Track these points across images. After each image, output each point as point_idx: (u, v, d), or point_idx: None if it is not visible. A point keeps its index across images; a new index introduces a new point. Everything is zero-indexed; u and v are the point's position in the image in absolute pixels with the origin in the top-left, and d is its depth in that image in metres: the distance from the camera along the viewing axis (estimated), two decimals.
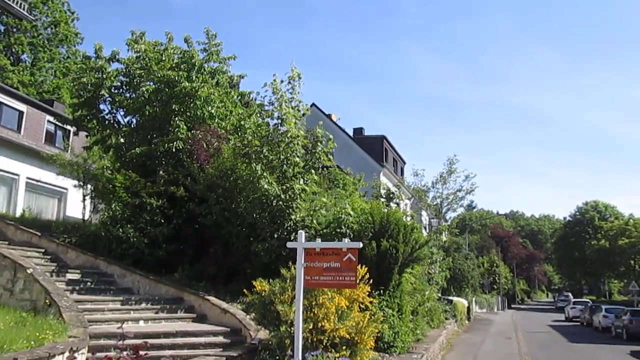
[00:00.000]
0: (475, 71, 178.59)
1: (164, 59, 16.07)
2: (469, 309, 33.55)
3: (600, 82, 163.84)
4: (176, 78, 15.20)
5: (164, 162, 15.52)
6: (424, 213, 34.69)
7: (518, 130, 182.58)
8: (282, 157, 12.87)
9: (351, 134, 39.72)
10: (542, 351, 19.54)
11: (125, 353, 5.51)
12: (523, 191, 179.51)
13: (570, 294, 73.56)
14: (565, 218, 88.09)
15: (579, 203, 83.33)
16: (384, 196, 23.84)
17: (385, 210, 13.36)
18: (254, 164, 12.56)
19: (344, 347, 7.92)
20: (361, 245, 7.17)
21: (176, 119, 15.35)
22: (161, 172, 15.30)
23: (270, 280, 8.84)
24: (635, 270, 63.84)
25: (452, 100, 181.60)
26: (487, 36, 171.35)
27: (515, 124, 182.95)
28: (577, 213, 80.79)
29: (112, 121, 16.85)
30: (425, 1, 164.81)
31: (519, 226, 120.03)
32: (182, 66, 15.91)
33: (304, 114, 14.17)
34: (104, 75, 16.05)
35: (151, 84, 15.85)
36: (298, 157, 12.95)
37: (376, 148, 37.11)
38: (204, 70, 16.14)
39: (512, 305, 70.10)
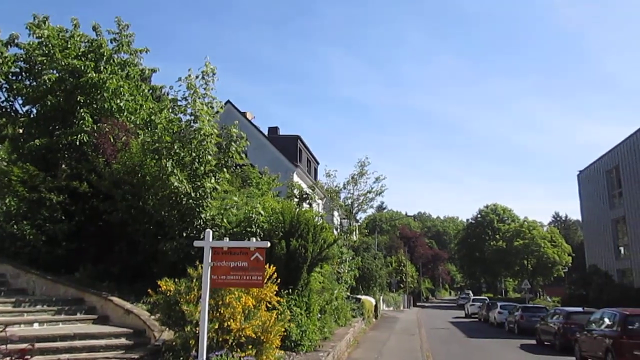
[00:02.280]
0: (388, 76, 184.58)
1: (69, 46, 15.22)
2: (376, 307, 34.54)
3: (502, 93, 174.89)
4: (82, 68, 14.46)
5: (66, 156, 14.73)
6: (335, 213, 35.30)
7: (427, 135, 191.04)
8: (194, 154, 12.62)
9: (266, 132, 39.67)
10: (442, 346, 20.56)
11: (8, 358, 5.18)
12: (430, 193, 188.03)
13: (470, 292, 77.93)
14: (467, 220, 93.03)
15: (481, 206, 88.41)
16: (297, 196, 24.06)
17: (297, 210, 13.49)
18: (164, 160, 12.23)
19: (249, 347, 7.94)
20: (269, 244, 7.22)
21: (81, 110, 14.61)
22: (63, 166, 14.51)
23: (178, 279, 8.68)
24: (527, 270, 68.83)
25: (366, 104, 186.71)
26: (400, 43, 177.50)
27: (424, 129, 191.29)
28: (479, 215, 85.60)
29: (8, 110, 15.71)
30: (342, 6, 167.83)
31: (425, 227, 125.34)
32: (89, 55, 15.15)
33: (217, 112, 13.98)
34: (0, 60, 14.93)
35: (54, 72, 14.94)
36: (210, 155, 12.76)
37: (290, 148, 37.27)
38: (114, 61, 15.47)
39: (418, 303, 73.11)
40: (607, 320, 15.24)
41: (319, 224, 13.50)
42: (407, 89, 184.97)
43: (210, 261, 6.94)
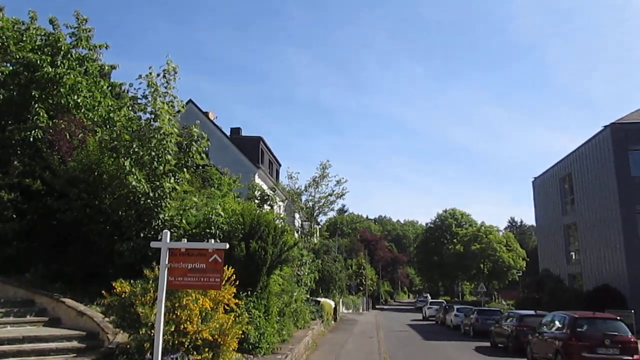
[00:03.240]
0: (352, 80, 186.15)
1: (24, 39, 14.75)
2: (335, 309, 34.67)
3: (462, 100, 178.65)
4: (38, 61, 14.03)
5: (19, 152, 14.23)
6: (297, 215, 35.29)
7: (389, 140, 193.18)
8: (153, 153, 12.39)
9: (228, 133, 39.31)
10: (400, 349, 20.83)
11: None
12: (391, 197, 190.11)
13: (428, 295, 79.17)
14: (427, 224, 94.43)
15: (440, 210, 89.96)
16: (259, 198, 23.92)
17: (257, 211, 13.44)
18: (123, 159, 11.97)
19: (206, 349, 7.86)
20: (228, 246, 7.14)
21: (36, 105, 14.16)
22: (16, 163, 14.01)
23: (134, 281, 8.51)
24: (483, 273, 70.42)
25: (329, 107, 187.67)
26: (363, 48, 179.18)
27: (387, 134, 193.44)
28: (437, 220, 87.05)
29: None
30: (307, 8, 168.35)
31: (386, 230, 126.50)
32: (45, 49, 14.71)
33: (179, 111, 13.78)
34: None
35: (8, 65, 14.48)
36: (170, 154, 12.55)
37: (252, 149, 37.05)
38: (71, 55, 15.09)
39: (377, 306, 73.72)
40: (557, 323, 15.75)
41: (279, 226, 13.48)
42: (369, 93, 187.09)
43: (167, 262, 6.83)
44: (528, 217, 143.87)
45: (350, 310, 52.50)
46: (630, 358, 13.65)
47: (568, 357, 14.11)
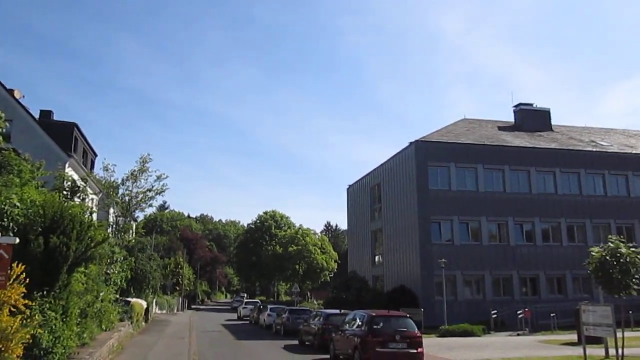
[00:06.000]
0: (183, 74, 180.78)
1: None
2: (147, 310, 33.30)
3: (291, 107, 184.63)
4: None
5: None
6: (111, 210, 33.14)
7: (217, 138, 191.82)
8: None
9: (37, 116, 35.39)
10: (210, 349, 20.74)
11: None
12: (215, 196, 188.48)
13: (245, 295, 79.99)
14: (247, 224, 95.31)
15: (261, 212, 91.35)
16: (68, 189, 21.98)
17: (62, 204, 12.31)
18: None
19: None
20: (18, 240, 6.44)
21: None
22: None
23: None
24: (299, 274, 73.36)
25: (159, 99, 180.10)
26: (198, 43, 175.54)
27: (215, 132, 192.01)
28: (258, 221, 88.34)
29: None
30: None
31: (207, 229, 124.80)
32: None
33: None
34: None
35: None
36: None
37: (65, 136, 33.72)
38: None
39: (193, 306, 72.31)
40: (357, 321, 17.02)
41: (87, 220, 12.52)
42: (201, 90, 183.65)
43: None
44: (343, 221, 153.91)
45: (165, 311, 50.83)
46: (415, 351, 15.31)
47: (364, 353, 15.34)
